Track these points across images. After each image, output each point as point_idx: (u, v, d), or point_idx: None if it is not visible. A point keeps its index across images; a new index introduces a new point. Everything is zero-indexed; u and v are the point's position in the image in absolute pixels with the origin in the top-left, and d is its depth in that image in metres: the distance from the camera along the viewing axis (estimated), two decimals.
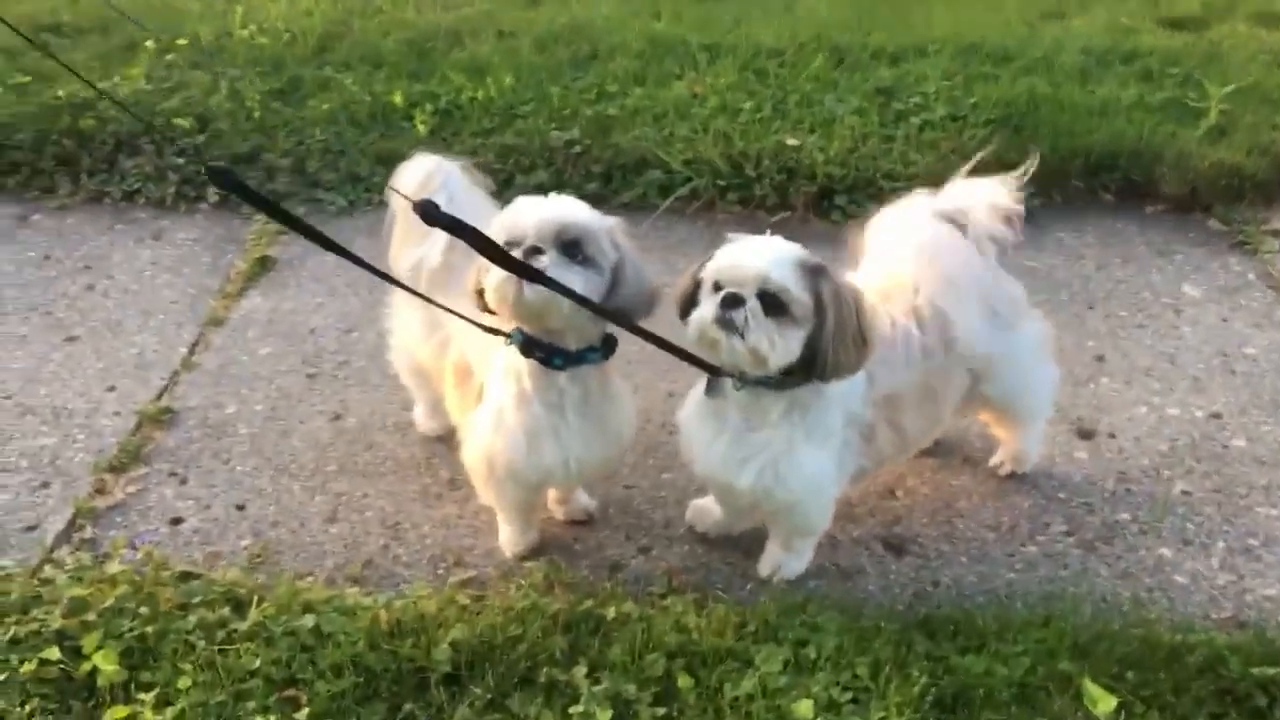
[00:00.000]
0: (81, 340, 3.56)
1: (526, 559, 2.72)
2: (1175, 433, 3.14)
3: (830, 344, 2.22)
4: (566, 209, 2.30)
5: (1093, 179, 4.22)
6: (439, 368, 2.76)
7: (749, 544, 2.75)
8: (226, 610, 2.41)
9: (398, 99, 4.66)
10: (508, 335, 2.38)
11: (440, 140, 4.45)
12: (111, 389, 3.32)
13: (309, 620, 2.36)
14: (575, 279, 2.25)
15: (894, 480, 2.96)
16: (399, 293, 2.78)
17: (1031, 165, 2.65)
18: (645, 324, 2.36)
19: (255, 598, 2.46)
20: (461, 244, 2.34)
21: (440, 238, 2.72)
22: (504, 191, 4.26)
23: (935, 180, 2.75)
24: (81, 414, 3.22)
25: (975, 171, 2.70)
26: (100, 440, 3.11)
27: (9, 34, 5.30)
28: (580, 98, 4.68)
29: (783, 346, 2.21)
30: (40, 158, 4.50)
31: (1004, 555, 2.75)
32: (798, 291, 2.19)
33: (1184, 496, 2.92)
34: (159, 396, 3.29)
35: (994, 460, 2.99)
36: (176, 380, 3.37)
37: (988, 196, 2.62)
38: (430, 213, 2.08)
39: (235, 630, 2.36)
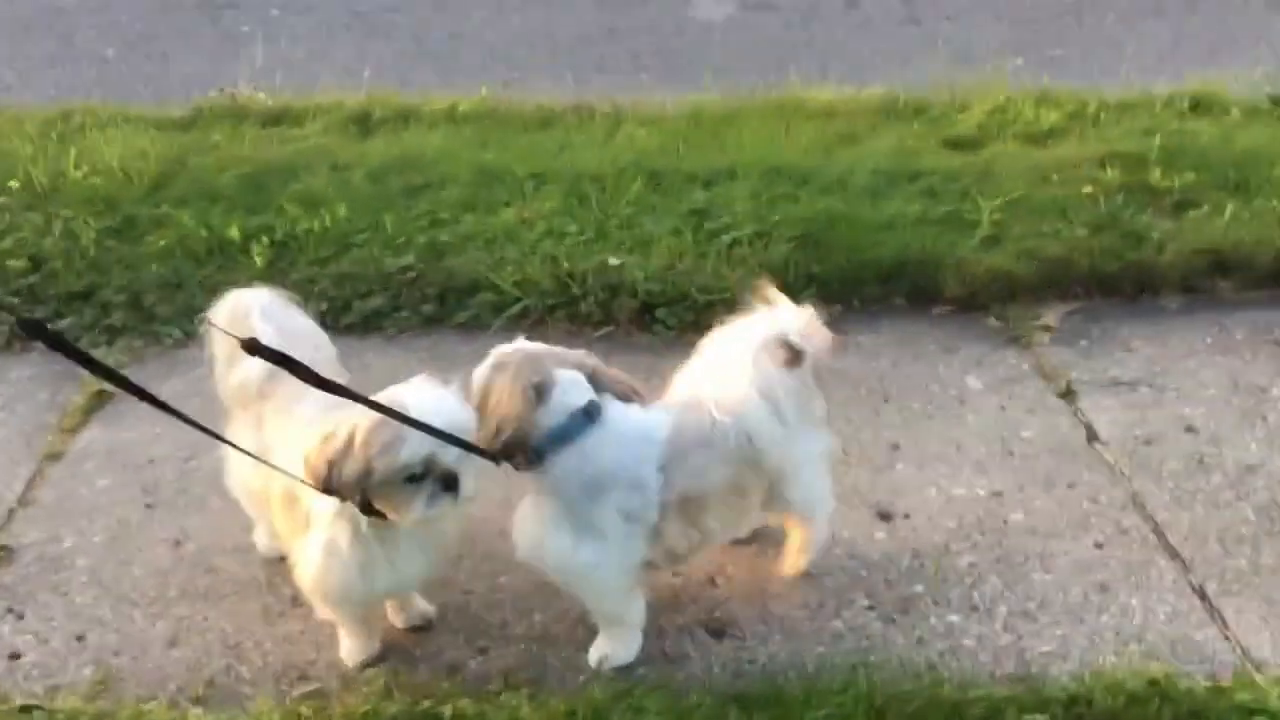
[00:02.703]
0: None
1: (368, 667, 2.84)
2: (962, 511, 3.48)
3: None
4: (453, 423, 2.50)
5: (885, 286, 4.64)
6: (270, 492, 2.89)
7: (583, 640, 2.94)
8: None
9: (234, 232, 4.80)
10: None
11: (277, 270, 4.60)
12: None
13: None
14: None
15: (714, 569, 3.21)
16: (234, 418, 2.92)
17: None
18: None
19: None
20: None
21: None
22: (342, 317, 4.48)
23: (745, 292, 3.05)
24: None
25: (783, 288, 3.03)
26: None
27: None
28: (414, 225, 4.91)
29: None
30: None
31: (813, 631, 3.01)
32: None
33: (970, 568, 3.25)
34: None
35: (786, 564, 3.18)
36: (13, 517, 3.39)
37: (800, 317, 2.92)
38: (256, 347, 2.25)
39: None
